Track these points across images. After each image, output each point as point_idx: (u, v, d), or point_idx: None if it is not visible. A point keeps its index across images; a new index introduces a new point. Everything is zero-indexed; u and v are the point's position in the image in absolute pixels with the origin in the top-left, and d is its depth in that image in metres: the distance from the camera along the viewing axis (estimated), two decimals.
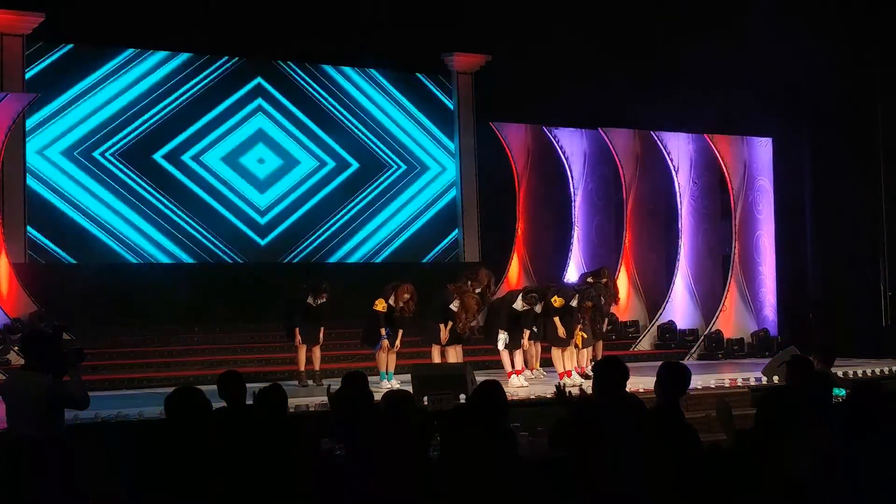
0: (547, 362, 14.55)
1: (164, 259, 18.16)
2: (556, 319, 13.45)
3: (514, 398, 11.55)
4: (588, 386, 10.72)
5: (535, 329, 13.73)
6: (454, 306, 13.35)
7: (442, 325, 13.46)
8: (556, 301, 13.41)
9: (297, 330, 13.68)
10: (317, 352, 13.87)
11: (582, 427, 5.91)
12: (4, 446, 6.97)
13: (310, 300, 13.68)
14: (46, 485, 6.73)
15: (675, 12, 18.41)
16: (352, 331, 14.81)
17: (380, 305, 13.39)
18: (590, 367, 13.59)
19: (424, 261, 20.18)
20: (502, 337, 13.42)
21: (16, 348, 14.36)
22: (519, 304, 13.44)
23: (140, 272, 17.66)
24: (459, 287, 13.46)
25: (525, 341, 13.60)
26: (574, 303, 13.45)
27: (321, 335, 13.81)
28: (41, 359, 6.93)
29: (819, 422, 5.49)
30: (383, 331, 13.36)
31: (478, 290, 13.76)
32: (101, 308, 16.58)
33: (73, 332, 15.24)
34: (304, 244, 19.38)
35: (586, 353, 13.89)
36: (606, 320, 14.69)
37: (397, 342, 13.50)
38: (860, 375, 13.47)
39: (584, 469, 5.77)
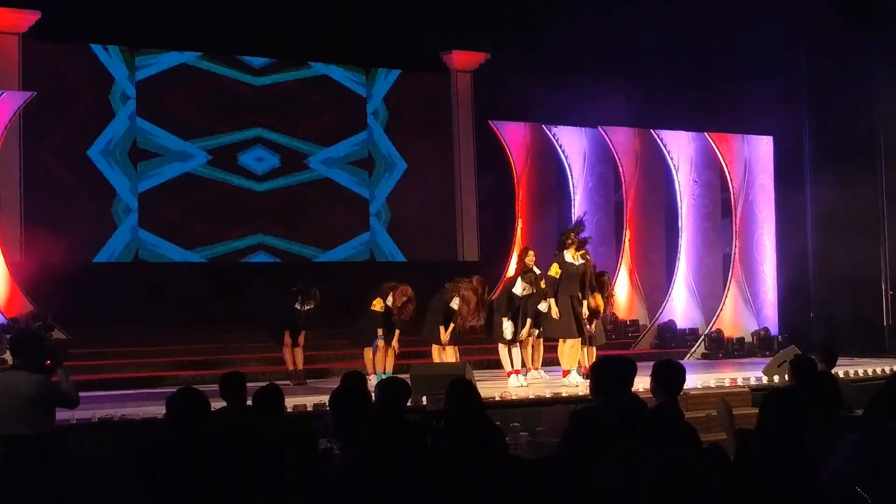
0: (547, 362, 14.40)
1: (163, 258, 18.09)
2: (552, 301, 12.88)
3: (514, 398, 11.49)
4: (586, 386, 10.64)
5: (540, 329, 13.46)
6: (454, 304, 13.17)
7: (442, 328, 13.36)
8: (554, 270, 12.88)
9: (288, 333, 13.79)
10: (298, 353, 14.04)
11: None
12: None
13: (297, 305, 13.73)
14: (39, 482, 6.75)
15: (675, 12, 18.36)
16: (348, 330, 14.70)
17: (377, 305, 13.30)
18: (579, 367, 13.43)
19: (421, 261, 20.11)
20: (507, 325, 13.05)
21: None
22: (519, 288, 13.02)
23: (138, 271, 17.59)
24: (456, 285, 13.24)
25: (526, 330, 13.17)
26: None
27: (301, 338, 13.97)
28: (29, 358, 6.97)
29: (825, 422, 5.45)
30: (380, 331, 13.29)
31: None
32: (99, 308, 16.52)
33: (70, 332, 15.22)
34: (303, 243, 19.32)
35: (587, 352, 13.59)
36: (604, 318, 14.40)
37: (394, 342, 13.41)
38: (861, 375, 13.42)
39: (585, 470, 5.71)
